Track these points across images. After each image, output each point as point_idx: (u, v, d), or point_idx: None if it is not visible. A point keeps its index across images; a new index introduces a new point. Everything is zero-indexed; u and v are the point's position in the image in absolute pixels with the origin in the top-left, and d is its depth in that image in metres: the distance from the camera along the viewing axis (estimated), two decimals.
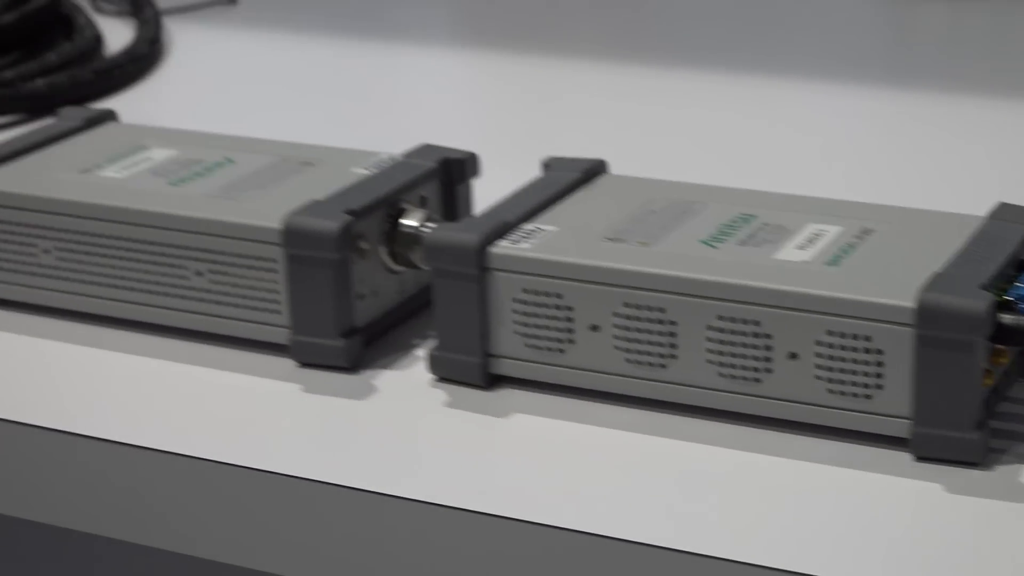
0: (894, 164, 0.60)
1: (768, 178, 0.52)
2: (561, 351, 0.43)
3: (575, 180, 0.47)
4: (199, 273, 0.47)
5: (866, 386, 0.40)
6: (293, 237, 0.45)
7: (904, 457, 0.40)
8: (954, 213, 0.45)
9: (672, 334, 0.42)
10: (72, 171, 0.50)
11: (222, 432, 0.43)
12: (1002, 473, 0.40)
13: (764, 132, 0.64)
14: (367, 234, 0.46)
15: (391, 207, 0.47)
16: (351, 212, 0.45)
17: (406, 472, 0.41)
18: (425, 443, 0.42)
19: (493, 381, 0.44)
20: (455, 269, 0.43)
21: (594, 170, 0.48)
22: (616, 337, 0.43)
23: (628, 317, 0.42)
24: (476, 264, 0.43)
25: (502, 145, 0.51)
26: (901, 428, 0.40)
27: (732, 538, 0.38)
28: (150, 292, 0.47)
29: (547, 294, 0.43)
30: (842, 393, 0.41)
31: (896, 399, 0.40)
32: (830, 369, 0.41)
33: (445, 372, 0.45)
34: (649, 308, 0.42)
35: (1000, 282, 0.41)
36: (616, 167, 0.49)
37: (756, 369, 0.41)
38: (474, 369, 0.44)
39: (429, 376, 0.45)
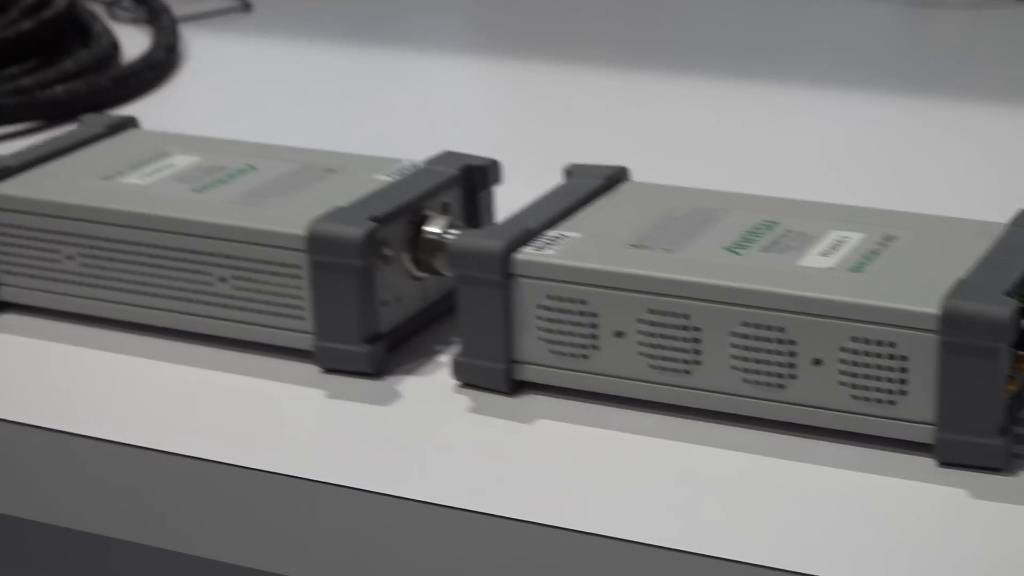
0: (913, 171, 0.60)
1: (787, 185, 0.52)
2: (585, 357, 0.43)
3: (597, 187, 0.48)
4: (223, 279, 0.47)
5: (890, 392, 0.41)
6: (318, 243, 0.45)
7: (927, 463, 0.41)
8: (976, 220, 0.45)
9: (696, 340, 0.42)
10: (95, 177, 0.50)
11: (246, 438, 0.43)
12: None
13: (782, 139, 0.64)
14: (391, 240, 0.46)
15: (414, 214, 0.47)
16: (375, 219, 0.45)
17: (431, 477, 0.41)
18: (449, 448, 0.43)
19: (517, 387, 0.45)
20: (480, 275, 0.44)
21: (616, 177, 0.48)
22: (640, 343, 0.43)
23: (652, 323, 0.42)
24: (501, 271, 0.43)
25: (518, 152, 0.52)
26: (924, 434, 0.41)
27: (755, 543, 0.38)
28: (174, 298, 0.48)
29: (571, 300, 0.43)
30: (866, 399, 0.41)
31: (920, 405, 0.40)
32: (854, 375, 0.41)
33: (469, 378, 0.45)
34: (673, 314, 0.42)
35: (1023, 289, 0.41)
36: (633, 174, 0.50)
37: (780, 375, 0.42)
38: (498, 375, 0.44)
39: (452, 382, 0.45)
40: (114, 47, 0.74)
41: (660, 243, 0.44)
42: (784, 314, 0.41)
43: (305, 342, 0.46)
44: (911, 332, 0.40)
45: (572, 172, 0.49)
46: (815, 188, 0.53)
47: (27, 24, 0.71)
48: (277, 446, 0.43)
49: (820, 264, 0.43)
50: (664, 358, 0.43)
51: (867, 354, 0.41)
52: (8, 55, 0.70)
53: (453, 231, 0.47)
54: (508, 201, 0.49)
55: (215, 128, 0.58)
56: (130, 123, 0.55)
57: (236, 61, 0.77)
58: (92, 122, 0.55)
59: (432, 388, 0.45)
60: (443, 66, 0.76)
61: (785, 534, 0.38)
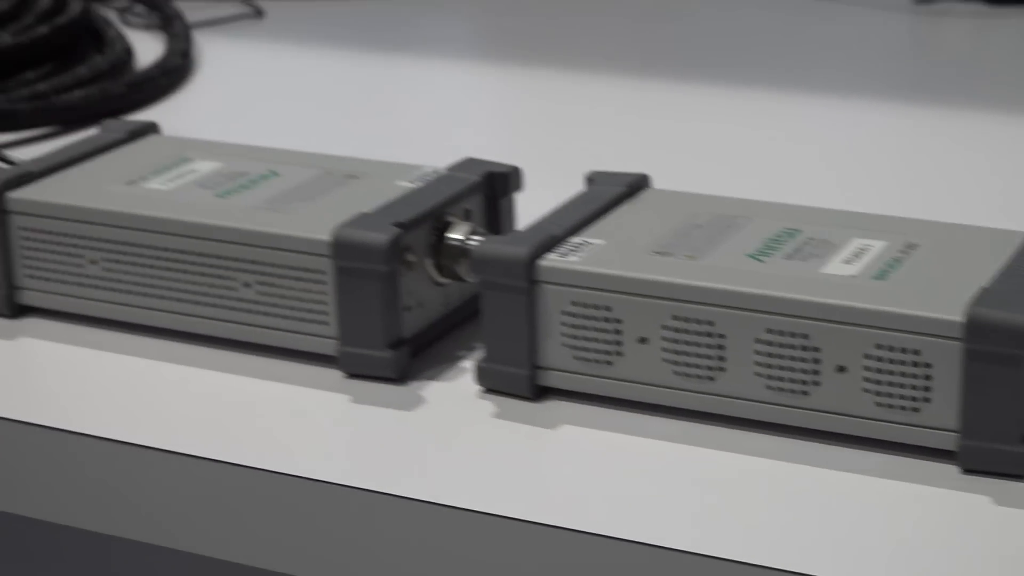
0: (923, 179, 0.61)
1: (800, 192, 0.53)
2: (609, 363, 0.44)
3: (619, 194, 0.48)
4: (247, 284, 0.47)
5: (914, 399, 0.41)
6: (343, 249, 0.45)
7: (951, 470, 0.41)
8: (997, 228, 0.45)
9: (720, 347, 0.42)
10: (118, 183, 0.50)
11: (271, 442, 0.43)
12: None
13: (797, 147, 0.65)
14: (414, 246, 0.46)
15: (437, 220, 0.47)
16: (399, 225, 0.45)
17: (455, 481, 0.41)
18: (473, 453, 0.43)
19: (540, 393, 0.45)
20: (504, 282, 0.44)
21: (637, 184, 0.49)
22: (664, 350, 0.43)
23: (677, 330, 0.43)
24: (525, 277, 0.44)
25: (533, 159, 0.52)
26: (948, 441, 0.41)
27: (779, 549, 0.38)
28: (198, 303, 0.48)
29: (596, 307, 0.43)
30: (890, 406, 0.41)
31: (943, 412, 0.41)
32: (878, 382, 0.41)
33: (493, 384, 0.45)
34: (698, 321, 0.42)
35: None
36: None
37: (804, 382, 0.42)
38: (522, 381, 0.45)
39: (476, 387, 0.45)
40: (128, 53, 0.74)
41: (683, 250, 0.44)
42: (808, 321, 0.41)
43: (329, 347, 0.46)
44: (935, 340, 0.40)
45: (594, 179, 0.49)
46: (829, 195, 0.53)
47: (42, 29, 0.71)
48: (301, 450, 0.43)
49: (843, 272, 0.43)
50: (688, 364, 0.43)
51: (891, 361, 0.41)
52: (23, 60, 0.70)
53: (476, 237, 0.47)
54: (525, 207, 0.50)
55: (230, 133, 0.58)
56: (151, 128, 0.55)
57: (249, 67, 0.77)
58: (113, 127, 0.55)
59: (456, 393, 0.45)
60: (456, 73, 0.76)
61: (809, 540, 0.38)
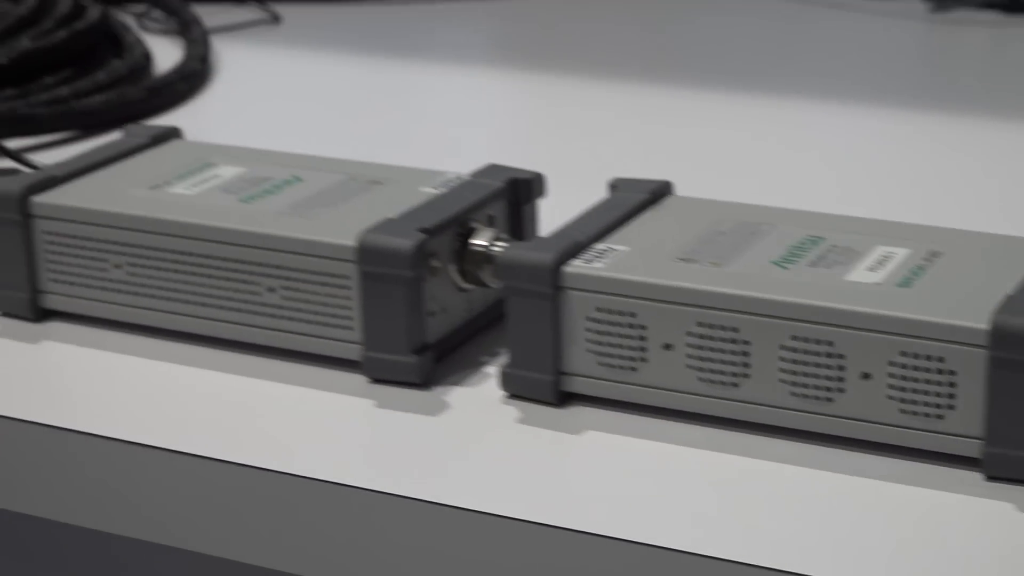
0: (948, 188, 0.61)
1: (823, 200, 0.53)
2: (633, 369, 0.44)
3: (642, 201, 0.48)
4: (271, 289, 0.47)
5: (938, 406, 0.41)
6: (368, 254, 0.45)
7: (975, 477, 0.41)
8: (1020, 236, 0.46)
9: (745, 353, 0.43)
10: (142, 187, 0.51)
11: (294, 446, 0.44)
12: None
13: (815, 155, 0.65)
14: (438, 252, 0.46)
15: (461, 226, 0.47)
16: (424, 230, 0.46)
17: (479, 486, 0.41)
18: (497, 458, 0.43)
19: (564, 399, 0.45)
20: (529, 288, 0.44)
21: (660, 191, 0.49)
22: (689, 356, 0.43)
23: (701, 336, 0.43)
24: (550, 283, 0.44)
25: (546, 165, 0.52)
26: (972, 448, 0.41)
27: (802, 555, 0.38)
28: (222, 308, 0.48)
29: (621, 313, 0.44)
30: (914, 413, 0.41)
31: (968, 419, 0.41)
32: (902, 389, 0.41)
33: (517, 389, 0.45)
34: (723, 328, 0.43)
35: None
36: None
37: (828, 389, 0.42)
38: (546, 386, 0.45)
39: (500, 393, 0.46)
40: (146, 58, 0.75)
41: (708, 257, 0.44)
42: (833, 328, 0.41)
43: (353, 352, 0.46)
44: (960, 347, 0.40)
45: (617, 186, 0.49)
46: (848, 203, 0.53)
47: (61, 34, 0.71)
48: (325, 455, 0.43)
49: (868, 279, 0.43)
50: (712, 371, 0.43)
51: (916, 368, 0.41)
52: (42, 65, 0.70)
53: (499, 243, 0.47)
54: (545, 214, 0.50)
55: (248, 138, 0.59)
56: (174, 134, 0.55)
57: (267, 72, 0.78)
58: (136, 132, 0.55)
59: (479, 399, 0.46)
60: (472, 79, 0.76)
61: (833, 546, 0.39)
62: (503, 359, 0.46)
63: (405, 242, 0.45)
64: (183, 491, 0.42)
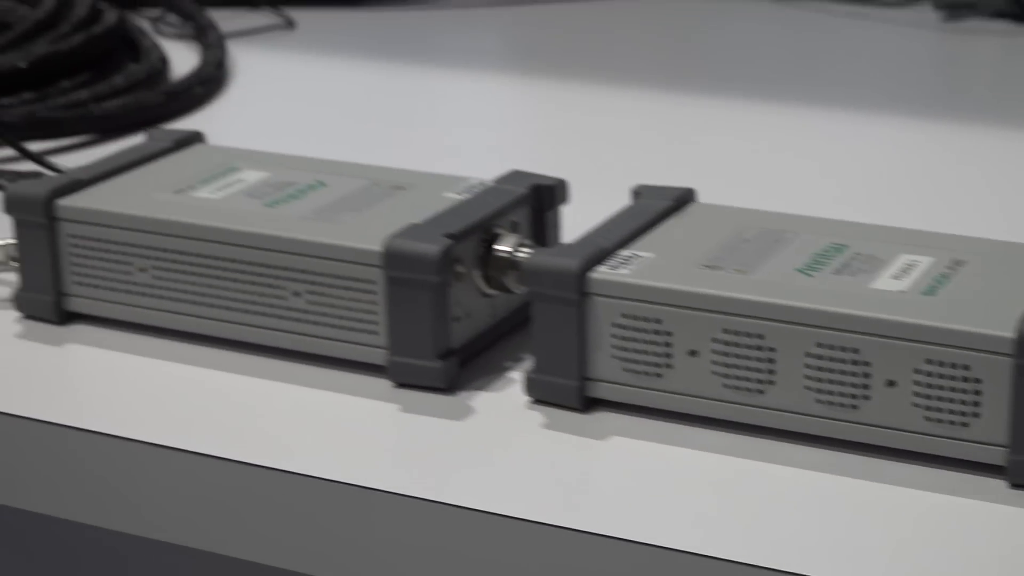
0: (963, 197, 0.61)
1: (842, 208, 0.53)
2: (659, 375, 0.44)
3: (666, 208, 0.48)
4: (297, 294, 0.47)
5: (963, 414, 0.41)
6: (394, 259, 0.45)
7: (999, 484, 0.41)
8: None
9: (771, 360, 0.43)
10: (166, 191, 0.51)
11: (320, 450, 0.44)
12: None
13: (832, 163, 0.65)
14: (463, 258, 0.47)
15: (486, 232, 0.48)
16: (449, 236, 0.46)
17: (504, 491, 0.42)
18: (522, 463, 0.43)
19: (589, 404, 0.45)
20: (555, 293, 0.44)
21: (684, 198, 0.49)
22: (714, 362, 0.43)
23: (727, 343, 0.43)
24: (576, 289, 0.44)
25: (564, 172, 0.52)
26: (997, 456, 0.41)
27: (828, 562, 0.38)
28: (247, 312, 0.48)
29: (646, 319, 0.44)
30: (939, 420, 0.41)
31: (993, 427, 0.41)
32: (927, 397, 0.41)
33: (542, 394, 0.45)
34: (748, 335, 0.43)
35: None
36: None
37: (854, 396, 0.42)
38: (571, 392, 0.45)
39: (525, 398, 0.46)
40: (163, 62, 0.75)
41: (733, 264, 0.45)
42: (859, 336, 0.42)
43: (378, 357, 0.47)
44: (985, 355, 0.41)
45: (640, 193, 0.49)
46: (866, 211, 0.53)
47: (79, 38, 0.72)
48: (350, 458, 0.43)
49: (893, 287, 0.43)
50: (738, 377, 0.43)
51: (941, 376, 0.41)
52: (59, 69, 0.70)
53: (523, 249, 0.47)
54: (566, 220, 0.50)
55: (266, 142, 0.59)
56: (196, 138, 0.56)
57: (282, 77, 0.78)
58: (159, 136, 0.55)
59: (504, 404, 0.46)
60: (487, 85, 0.76)
61: (858, 553, 0.39)
62: (527, 364, 0.46)
63: (431, 247, 0.45)
64: (204, 493, 0.42)
